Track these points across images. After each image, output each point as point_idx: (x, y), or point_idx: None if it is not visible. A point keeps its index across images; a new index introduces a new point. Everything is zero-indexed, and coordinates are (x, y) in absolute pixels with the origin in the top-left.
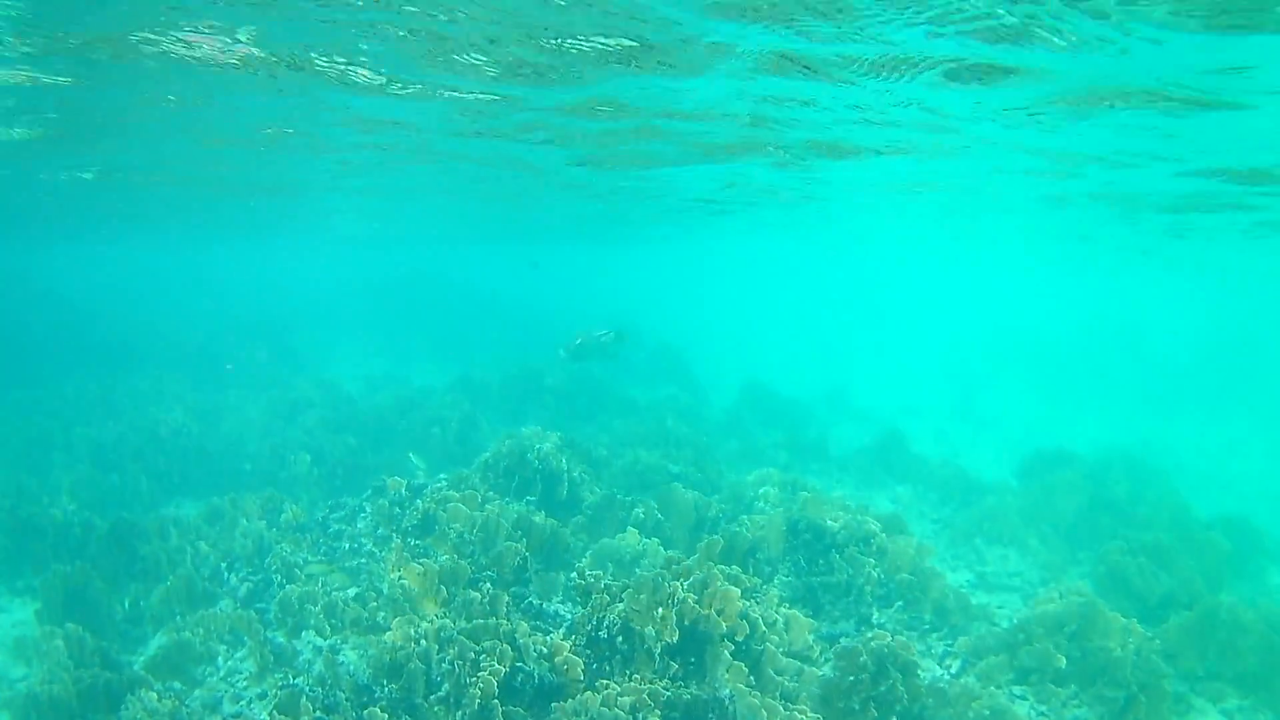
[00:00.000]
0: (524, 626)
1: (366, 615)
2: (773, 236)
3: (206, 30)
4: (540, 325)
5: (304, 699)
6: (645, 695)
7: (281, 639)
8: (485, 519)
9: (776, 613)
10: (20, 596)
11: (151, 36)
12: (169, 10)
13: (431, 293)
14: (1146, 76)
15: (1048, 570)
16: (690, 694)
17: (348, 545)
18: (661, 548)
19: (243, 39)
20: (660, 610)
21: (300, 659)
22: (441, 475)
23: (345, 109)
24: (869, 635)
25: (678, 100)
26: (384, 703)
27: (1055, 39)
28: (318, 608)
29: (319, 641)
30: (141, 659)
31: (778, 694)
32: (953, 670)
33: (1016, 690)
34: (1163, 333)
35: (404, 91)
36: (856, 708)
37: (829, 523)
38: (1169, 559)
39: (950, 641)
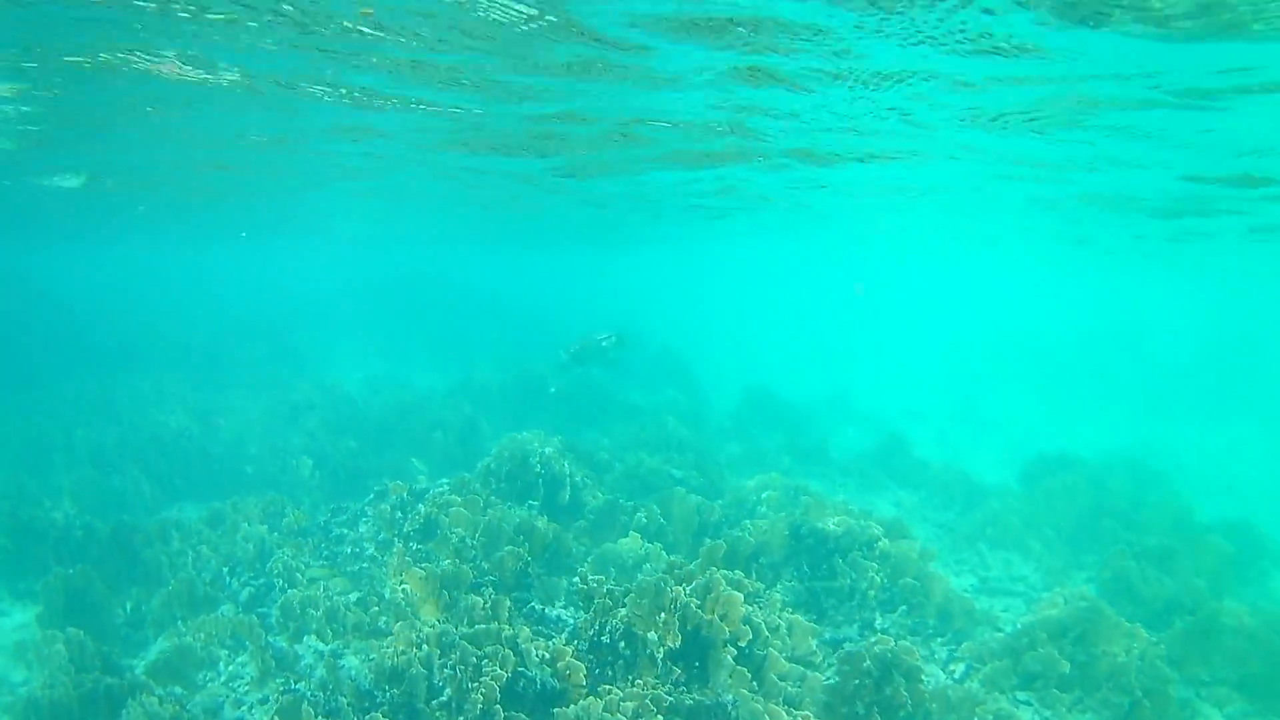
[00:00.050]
0: (526, 631)
1: (368, 620)
2: (774, 240)
3: (186, 62)
4: (542, 328)
5: (305, 704)
6: (648, 700)
7: (283, 644)
8: (487, 523)
9: (779, 618)
10: (21, 600)
11: (140, 57)
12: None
13: (433, 295)
14: (1133, 83)
15: (1051, 575)
16: (693, 699)
17: (349, 549)
18: (664, 552)
19: (232, 74)
20: (663, 615)
21: (302, 664)
22: (443, 479)
23: (331, 123)
24: (872, 640)
25: (657, 111)
26: (386, 708)
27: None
28: (319, 612)
29: (321, 646)
30: (143, 663)
31: (781, 699)
32: (956, 675)
33: (1021, 696)
34: (1164, 336)
35: (384, 107)
36: (860, 713)
37: (831, 527)
38: (1172, 563)
39: (954, 646)
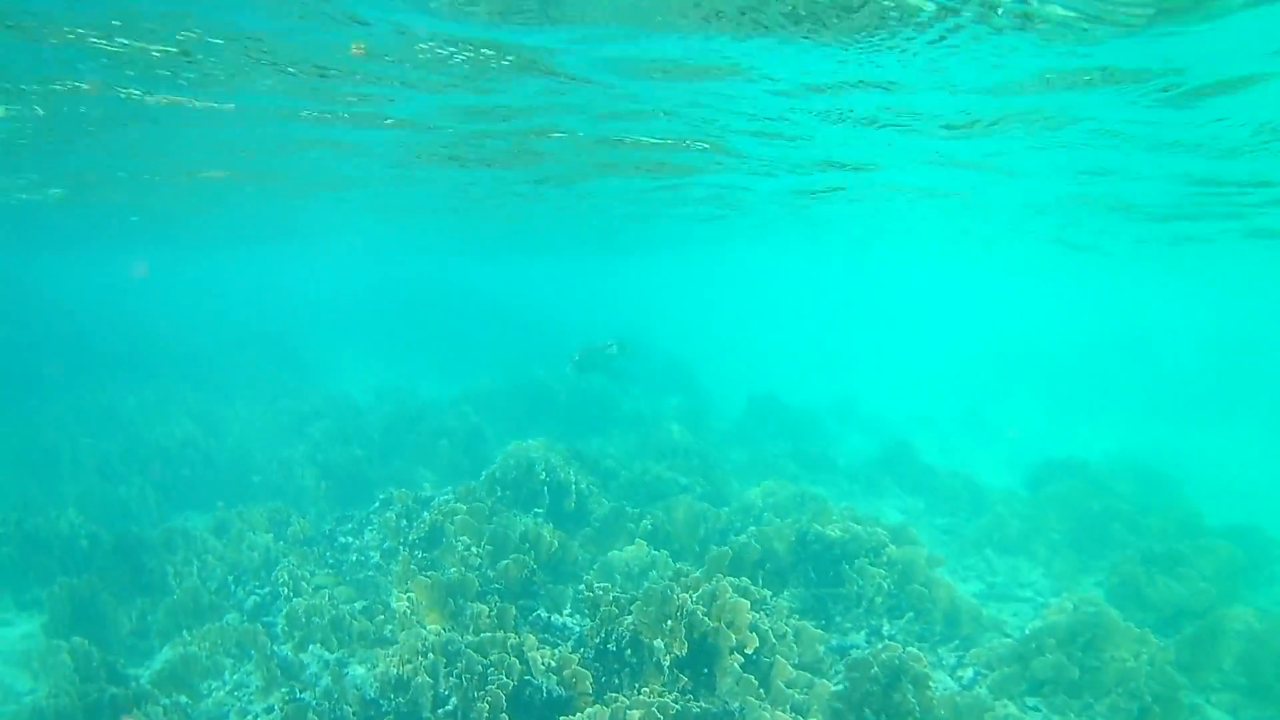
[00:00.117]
0: (532, 639)
1: (373, 629)
2: (779, 246)
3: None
4: (548, 336)
5: (310, 713)
6: (654, 708)
7: (288, 652)
8: (492, 531)
9: (786, 624)
10: (27, 610)
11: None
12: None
13: (439, 303)
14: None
15: (1059, 580)
16: (700, 707)
17: (355, 558)
18: (670, 559)
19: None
20: (669, 622)
21: (307, 673)
22: (448, 487)
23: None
24: (880, 647)
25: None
26: (391, 717)
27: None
28: (324, 621)
29: (326, 655)
30: (148, 673)
31: (788, 706)
32: (964, 681)
33: (1029, 702)
34: (1170, 340)
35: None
36: None
37: (838, 533)
38: (1181, 568)
39: (962, 653)
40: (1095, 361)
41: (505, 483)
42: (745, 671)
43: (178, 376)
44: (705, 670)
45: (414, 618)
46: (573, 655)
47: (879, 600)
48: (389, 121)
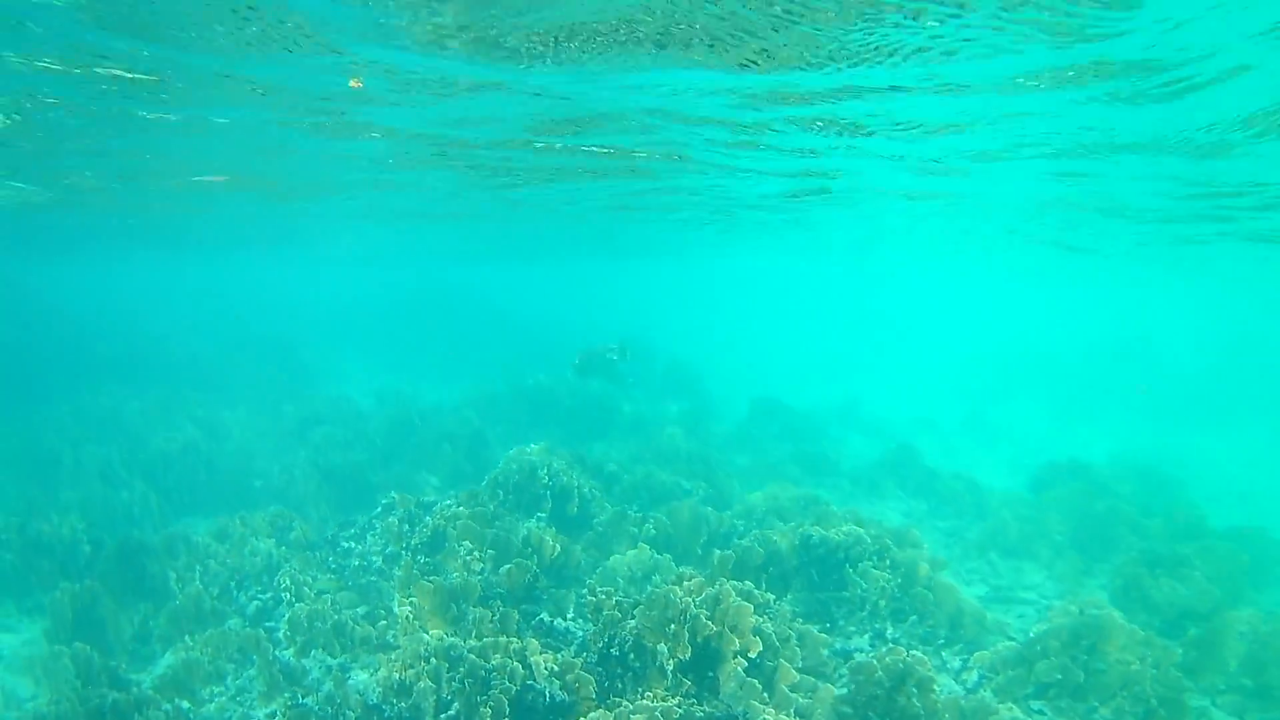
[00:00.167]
0: (535, 644)
1: (376, 634)
2: (782, 249)
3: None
4: (550, 341)
5: (313, 719)
6: (658, 713)
7: (291, 658)
8: (495, 536)
9: (790, 628)
10: (29, 615)
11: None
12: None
13: (441, 308)
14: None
15: (1063, 583)
16: (703, 711)
17: (357, 563)
18: (673, 563)
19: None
20: (672, 626)
21: (309, 678)
22: (451, 492)
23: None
24: (884, 650)
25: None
26: None
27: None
28: (327, 626)
29: (328, 660)
30: (150, 678)
31: (792, 710)
32: (969, 685)
33: (1034, 705)
34: (1173, 342)
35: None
36: None
37: (841, 537)
38: (1186, 570)
39: (966, 656)
40: (1097, 363)
41: (508, 487)
42: (749, 675)
43: (180, 381)
44: (709, 674)
45: (416, 623)
46: (576, 660)
47: (883, 604)
48: (375, 134)
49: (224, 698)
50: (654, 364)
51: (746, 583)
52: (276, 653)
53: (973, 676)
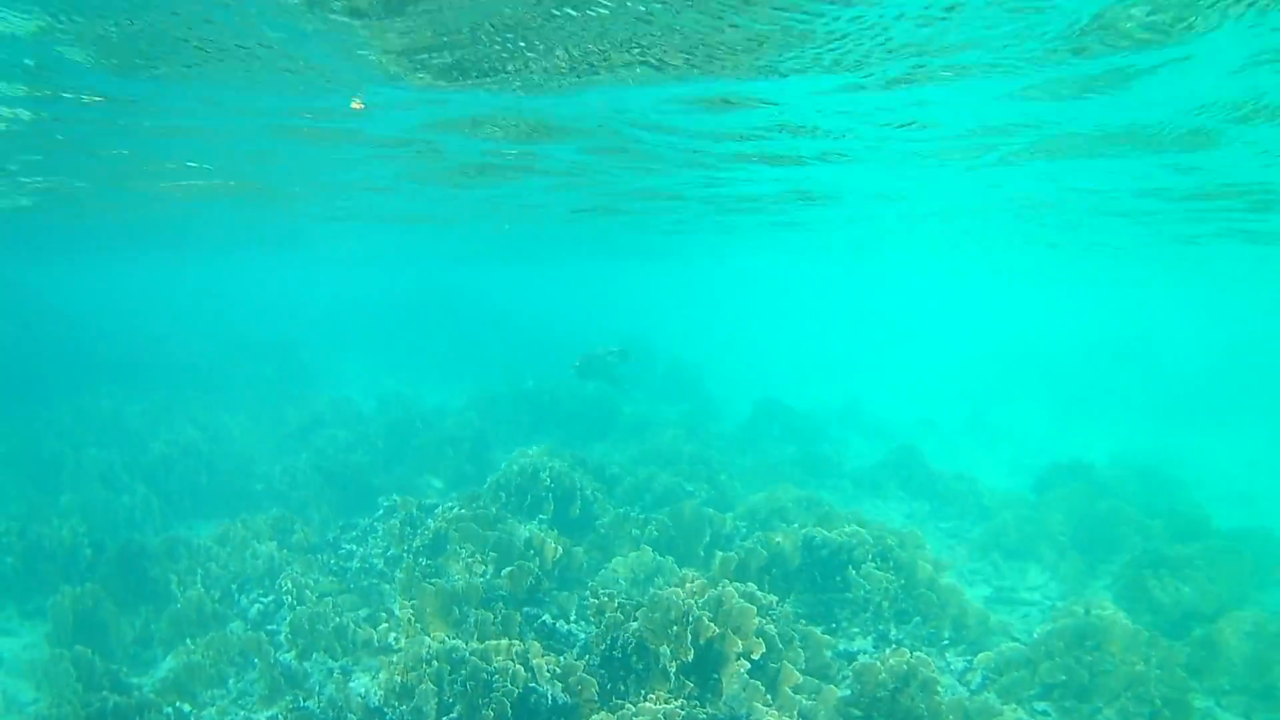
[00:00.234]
0: (537, 646)
1: (377, 637)
2: (784, 251)
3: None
4: (553, 343)
5: None
6: (661, 715)
7: (292, 661)
8: (497, 538)
9: (793, 630)
10: (30, 619)
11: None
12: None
13: (443, 311)
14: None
15: (1066, 584)
16: (706, 713)
17: (359, 566)
18: (675, 565)
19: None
20: (675, 628)
21: (311, 681)
22: (453, 494)
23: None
24: (887, 652)
25: None
26: None
27: None
28: (328, 629)
29: (330, 663)
30: (151, 682)
31: (795, 712)
32: (973, 686)
33: (1038, 706)
34: (1175, 343)
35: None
36: None
37: (844, 538)
38: (1190, 571)
39: (969, 657)
40: (1099, 364)
41: (510, 489)
42: (752, 677)
43: (181, 383)
44: (711, 676)
45: (418, 625)
46: (578, 662)
47: (886, 605)
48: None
49: (225, 701)
50: (656, 365)
51: (749, 584)
52: (278, 656)
53: (976, 678)
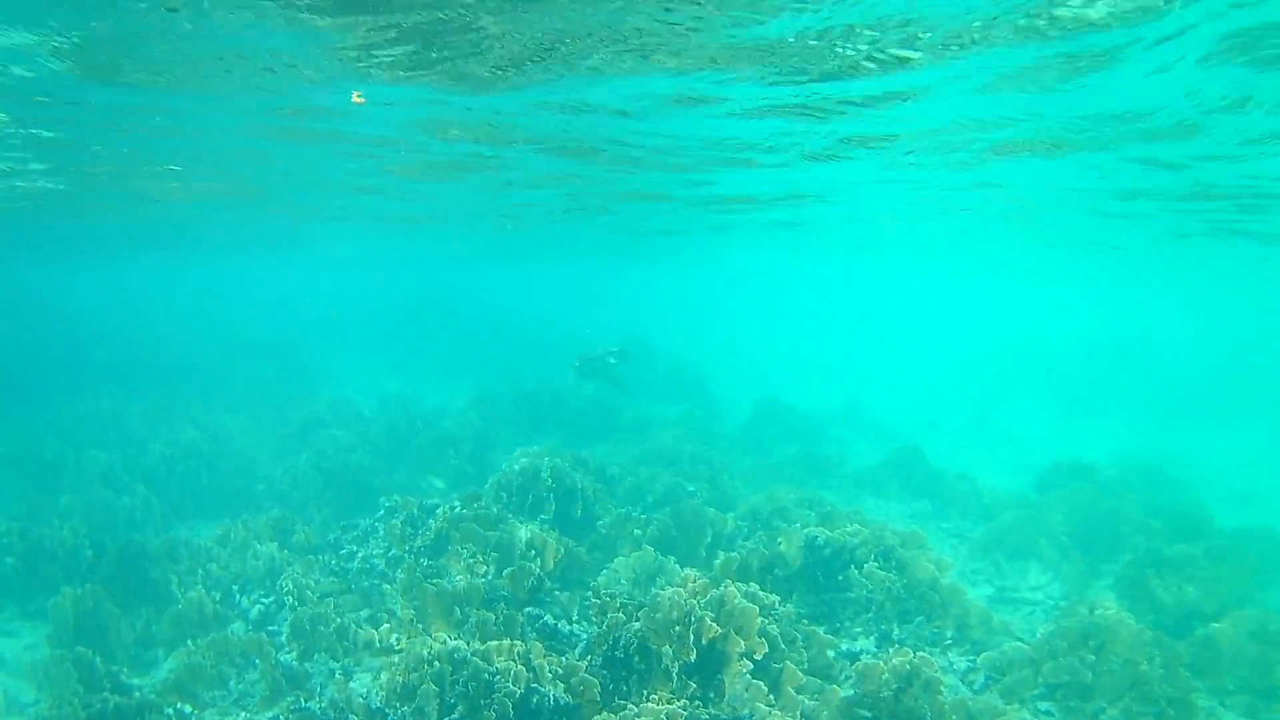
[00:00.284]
0: (539, 647)
1: (379, 637)
2: (786, 252)
3: None
4: (553, 344)
5: None
6: (663, 715)
7: (293, 662)
8: (498, 538)
9: (795, 630)
10: (31, 620)
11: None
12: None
13: (444, 310)
14: None
15: (1069, 584)
16: (709, 714)
17: (360, 566)
18: (677, 565)
19: None
20: (677, 629)
21: (312, 682)
22: (454, 495)
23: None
24: (890, 652)
25: None
26: None
27: None
28: (330, 630)
29: (331, 664)
30: (152, 683)
31: (799, 713)
32: (976, 686)
33: (1042, 706)
34: (1177, 342)
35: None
36: None
37: (846, 538)
38: (1193, 570)
39: (973, 657)
40: (1101, 364)
41: (511, 489)
42: (755, 678)
43: (181, 384)
44: (714, 677)
45: (420, 626)
46: (580, 662)
47: (888, 605)
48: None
49: (226, 702)
50: (657, 366)
51: (751, 584)
52: (279, 657)
53: (979, 678)
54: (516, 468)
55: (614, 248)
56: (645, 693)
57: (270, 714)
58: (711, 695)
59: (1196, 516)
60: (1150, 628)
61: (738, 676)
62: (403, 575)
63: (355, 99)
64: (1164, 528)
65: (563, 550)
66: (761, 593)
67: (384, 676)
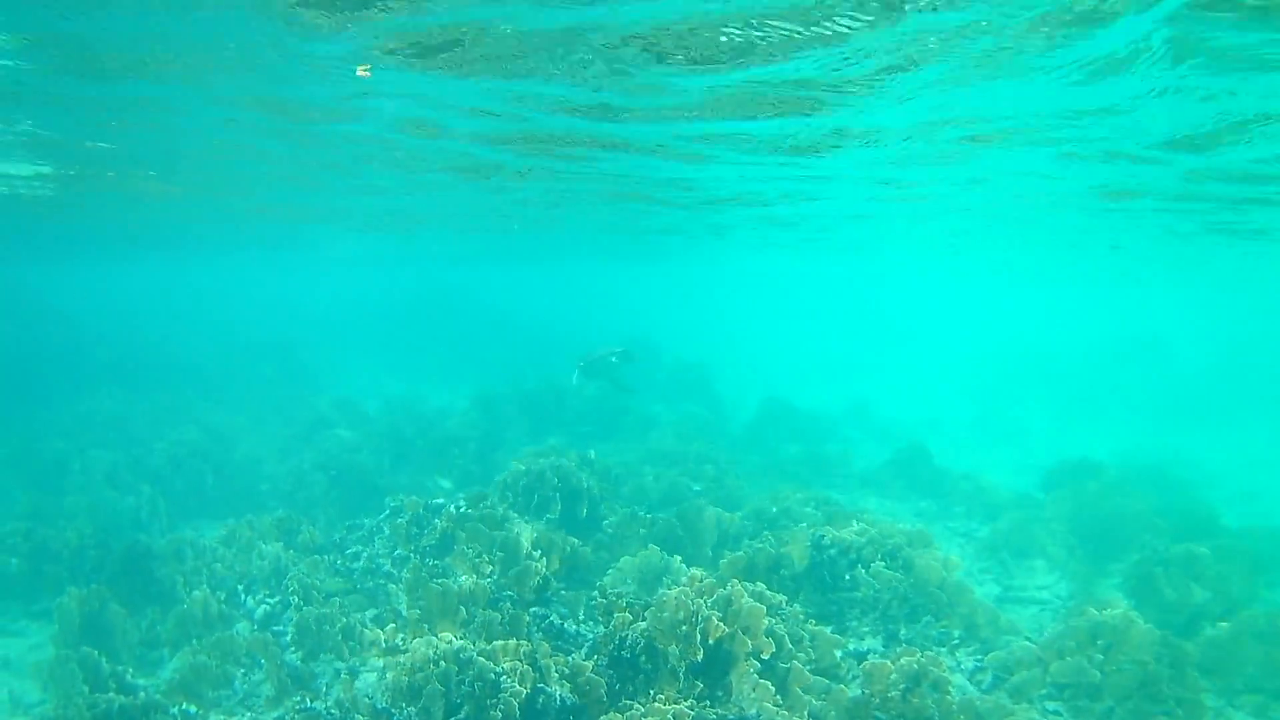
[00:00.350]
0: (545, 647)
1: (385, 637)
2: (791, 252)
3: None
4: (559, 343)
5: None
6: (670, 716)
7: (299, 662)
8: (504, 538)
9: (802, 630)
10: (37, 620)
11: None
12: None
13: (449, 311)
14: None
15: (1076, 583)
16: (716, 714)
17: (365, 566)
18: (684, 565)
19: None
20: (684, 629)
21: (318, 682)
22: (460, 494)
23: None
24: (898, 652)
25: None
26: None
27: None
28: (335, 630)
29: (337, 664)
30: (157, 683)
31: (806, 713)
32: (984, 686)
33: (1050, 706)
34: (1184, 341)
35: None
36: None
37: (853, 537)
38: (1201, 570)
39: (980, 656)
40: (1107, 363)
41: (516, 489)
42: (762, 677)
43: (185, 385)
44: (721, 677)
45: (425, 626)
46: (586, 662)
47: (895, 604)
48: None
49: (232, 702)
50: (662, 365)
51: (758, 584)
52: (284, 657)
53: (987, 677)
54: (522, 467)
55: (618, 248)
56: (652, 693)
57: (276, 714)
58: (718, 695)
59: (1203, 515)
60: (1158, 627)
61: (745, 676)
62: (408, 575)
63: (361, 72)
64: (1171, 527)
65: (568, 550)
66: (768, 592)
67: (389, 676)
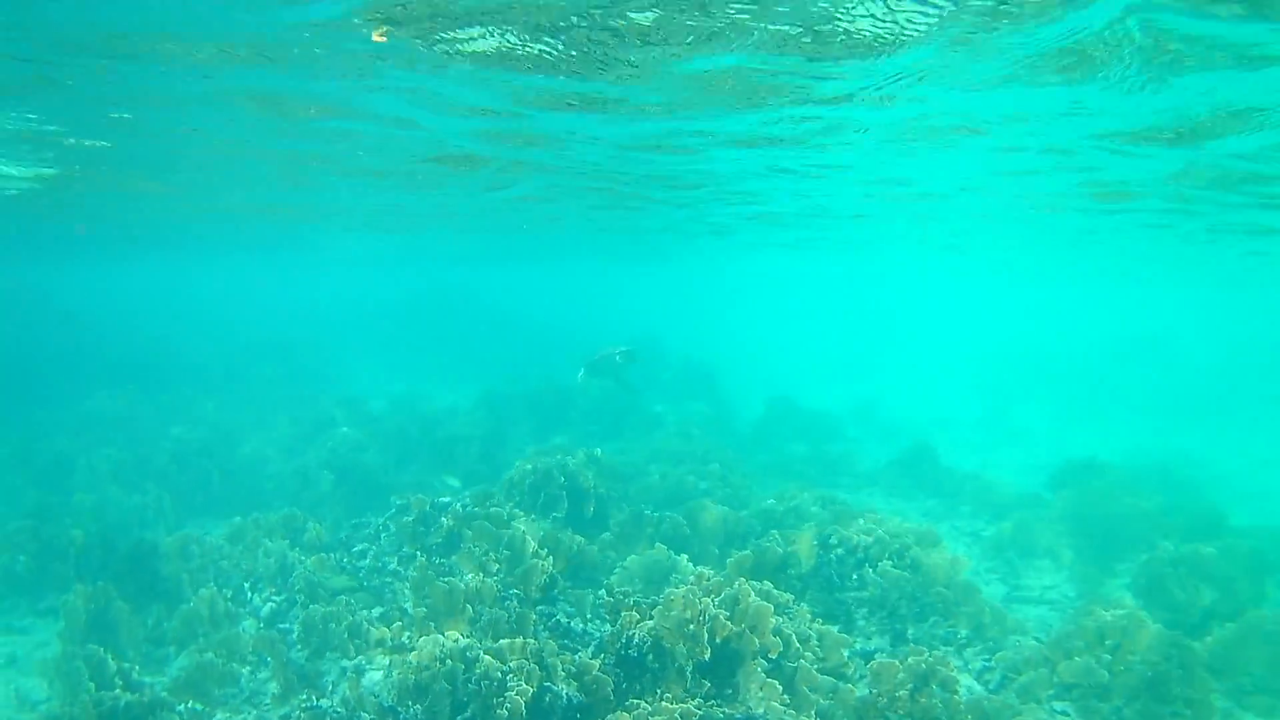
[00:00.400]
0: (552, 645)
1: (391, 635)
2: (797, 251)
3: None
4: (566, 343)
5: None
6: (677, 715)
7: (304, 660)
8: (511, 537)
9: (809, 629)
10: (44, 618)
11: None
12: None
13: (456, 311)
14: None
15: (1083, 582)
16: (723, 713)
17: (371, 564)
18: (690, 564)
19: None
20: (691, 627)
21: (324, 680)
22: (466, 493)
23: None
24: (905, 651)
25: None
26: None
27: None
28: (341, 627)
29: (343, 662)
30: (164, 680)
31: (813, 712)
32: (991, 686)
33: (1058, 706)
34: (1191, 341)
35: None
36: None
37: (860, 537)
38: (1210, 570)
39: (988, 656)
40: (1112, 363)
41: (523, 488)
42: (769, 677)
43: (191, 383)
44: (728, 676)
45: (431, 624)
46: (593, 661)
47: (902, 603)
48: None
49: (238, 700)
50: (668, 365)
51: (765, 583)
52: (290, 654)
53: (995, 677)
54: (529, 466)
55: (622, 248)
56: (659, 692)
57: (282, 712)
58: (726, 694)
59: (1211, 515)
60: (1166, 626)
61: (752, 675)
62: (414, 573)
63: (377, 37)
64: (1179, 526)
65: (575, 548)
66: (775, 591)
67: (395, 675)
